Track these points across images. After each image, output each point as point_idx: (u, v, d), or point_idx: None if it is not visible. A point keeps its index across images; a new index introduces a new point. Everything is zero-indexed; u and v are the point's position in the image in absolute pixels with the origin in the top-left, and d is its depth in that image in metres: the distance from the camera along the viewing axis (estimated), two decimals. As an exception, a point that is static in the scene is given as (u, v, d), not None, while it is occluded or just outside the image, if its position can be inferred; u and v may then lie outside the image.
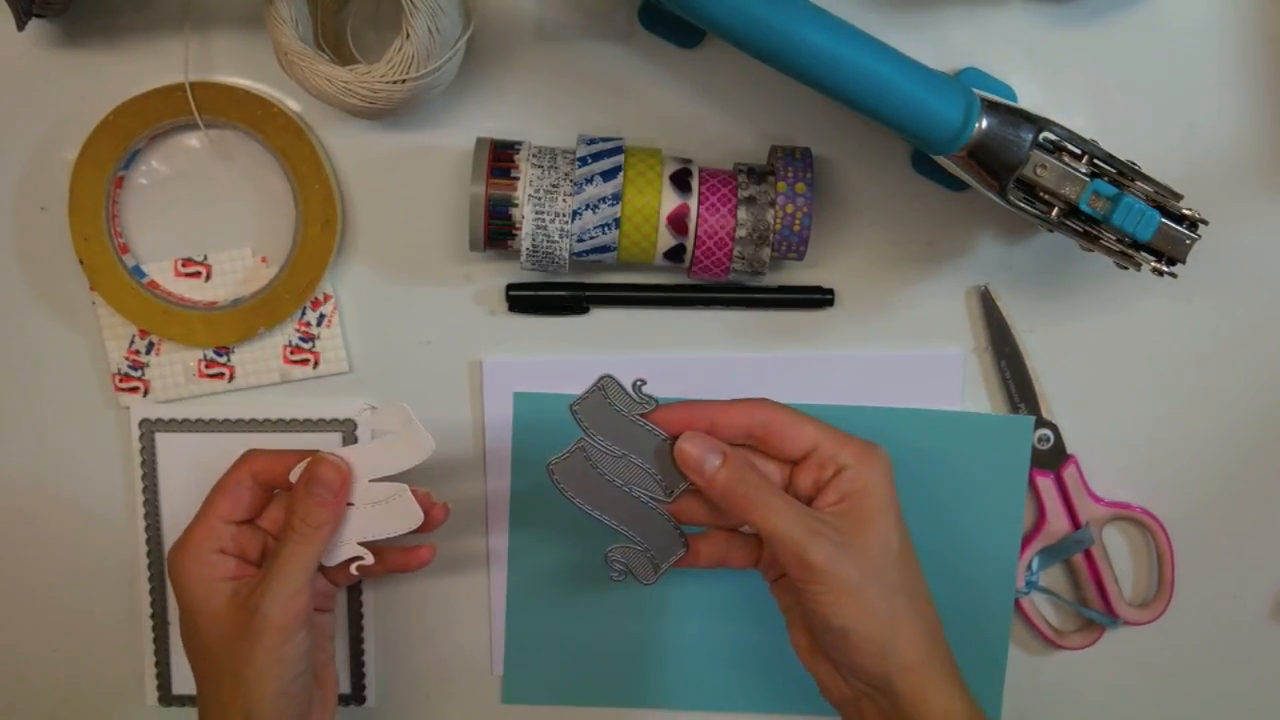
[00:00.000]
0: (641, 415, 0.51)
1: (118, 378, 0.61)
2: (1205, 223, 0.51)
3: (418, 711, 0.64)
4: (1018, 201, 0.51)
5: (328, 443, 0.61)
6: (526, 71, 0.58)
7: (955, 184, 0.58)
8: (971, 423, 0.61)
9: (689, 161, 0.57)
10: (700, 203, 0.55)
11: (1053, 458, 0.61)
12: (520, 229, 0.55)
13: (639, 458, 0.52)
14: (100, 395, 0.62)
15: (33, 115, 0.59)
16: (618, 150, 0.56)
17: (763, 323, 0.61)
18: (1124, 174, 0.50)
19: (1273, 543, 0.63)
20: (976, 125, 0.50)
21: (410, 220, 0.60)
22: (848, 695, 0.51)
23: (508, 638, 0.63)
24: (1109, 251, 0.51)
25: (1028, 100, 0.57)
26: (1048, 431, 0.61)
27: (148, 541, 0.62)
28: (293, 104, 0.59)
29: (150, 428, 0.61)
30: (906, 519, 0.52)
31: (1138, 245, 0.51)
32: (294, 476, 0.53)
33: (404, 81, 0.53)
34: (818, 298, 0.60)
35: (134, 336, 0.60)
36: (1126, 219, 0.49)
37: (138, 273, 0.60)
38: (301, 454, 0.54)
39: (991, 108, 0.50)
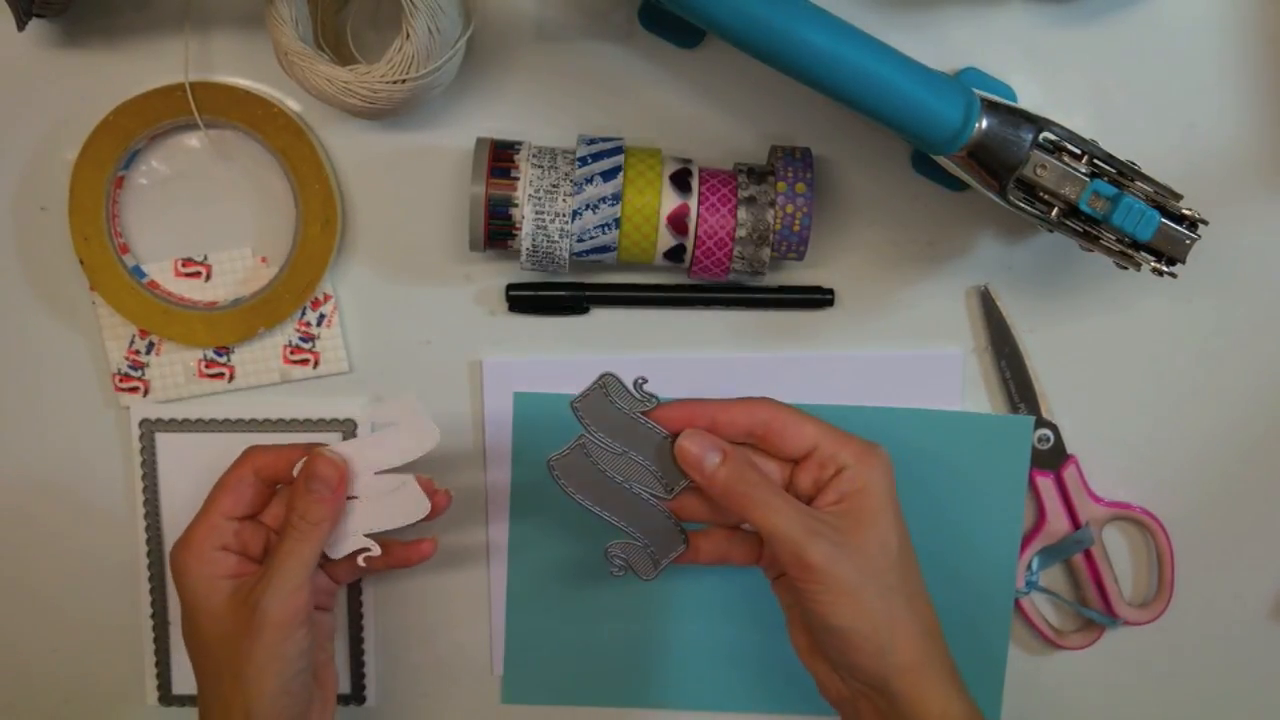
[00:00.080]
0: (642, 413, 0.51)
1: (118, 378, 0.61)
2: (1205, 223, 0.51)
3: (418, 711, 0.64)
4: (1018, 201, 0.51)
5: (329, 441, 0.61)
6: (526, 71, 0.58)
7: (955, 184, 0.58)
8: (971, 423, 0.61)
9: (689, 161, 0.57)
10: (700, 203, 0.55)
11: (1053, 458, 0.61)
12: (520, 229, 0.55)
13: (639, 455, 0.52)
14: (100, 395, 0.62)
15: (33, 115, 0.59)
16: (618, 150, 0.56)
17: (763, 323, 0.61)
18: (1124, 174, 0.50)
19: (1273, 543, 0.63)
20: (976, 125, 0.50)
21: (410, 220, 0.60)
22: (845, 695, 0.51)
23: (508, 637, 0.63)
24: (1109, 251, 0.51)
25: (1028, 100, 0.57)
26: (1048, 431, 0.61)
27: (148, 541, 0.62)
28: (293, 104, 0.59)
29: (150, 428, 0.61)
30: (907, 519, 0.52)
31: (1138, 245, 0.51)
32: (297, 471, 0.53)
33: (404, 81, 0.53)
34: (818, 298, 0.60)
35: (134, 336, 0.60)
36: (1126, 219, 0.50)
37: (138, 273, 0.60)
38: (303, 448, 0.54)
39: (991, 108, 0.50)
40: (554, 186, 0.55)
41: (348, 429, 0.61)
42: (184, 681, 0.63)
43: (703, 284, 0.60)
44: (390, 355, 0.61)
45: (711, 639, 0.63)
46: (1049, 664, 0.64)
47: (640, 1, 0.57)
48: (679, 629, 0.63)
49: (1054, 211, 0.51)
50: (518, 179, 0.55)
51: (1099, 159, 0.50)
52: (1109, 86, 0.58)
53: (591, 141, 0.56)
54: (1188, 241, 0.51)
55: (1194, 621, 0.63)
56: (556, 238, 0.55)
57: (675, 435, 0.51)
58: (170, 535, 0.62)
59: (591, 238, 0.55)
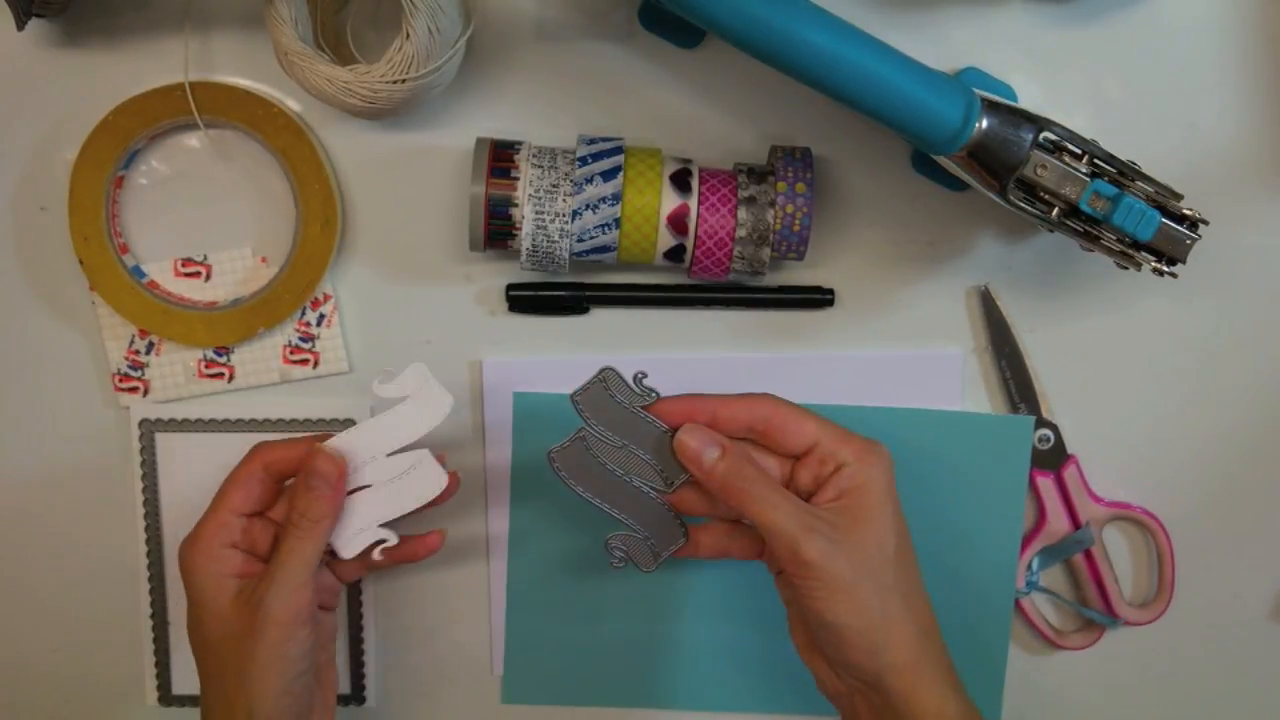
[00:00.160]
0: (642, 407, 0.52)
1: (118, 378, 0.61)
2: (1205, 223, 0.51)
3: (418, 711, 0.64)
4: (1018, 201, 0.51)
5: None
6: (526, 71, 0.58)
7: (955, 184, 0.58)
8: (971, 423, 0.61)
9: (689, 161, 0.57)
10: (700, 203, 0.55)
11: (1053, 458, 0.61)
12: (520, 229, 0.55)
13: (639, 448, 0.52)
14: (100, 395, 0.62)
15: (33, 115, 0.59)
16: (618, 150, 0.56)
17: (763, 323, 0.61)
18: (1124, 174, 0.50)
19: (1273, 543, 0.63)
20: (977, 125, 0.50)
21: (410, 220, 0.60)
22: (842, 691, 0.52)
23: (508, 637, 0.63)
24: (1109, 251, 0.51)
25: (1028, 100, 0.57)
26: (1048, 431, 0.61)
27: (147, 541, 0.62)
28: (293, 104, 0.59)
29: (150, 428, 0.61)
30: (907, 519, 0.52)
31: (1138, 245, 0.51)
32: None
33: (404, 81, 0.53)
34: (818, 298, 0.60)
35: (134, 336, 0.60)
36: (1127, 219, 0.49)
37: (137, 273, 0.60)
38: (311, 439, 0.54)
39: (992, 108, 0.50)
40: (554, 186, 0.55)
41: (340, 431, 0.61)
42: (184, 681, 0.63)
43: (703, 284, 0.60)
44: (390, 355, 0.61)
45: (711, 639, 0.63)
46: (1049, 664, 0.64)
47: (640, 1, 0.57)
48: (679, 629, 0.63)
49: (1054, 211, 0.51)
50: (518, 179, 0.55)
51: (1099, 159, 0.50)
52: (1109, 86, 0.58)
53: (591, 141, 0.56)
54: (1188, 241, 0.51)
55: (1194, 621, 0.63)
56: (556, 238, 0.55)
57: (675, 429, 0.51)
58: (170, 535, 0.62)
59: (591, 238, 0.55)
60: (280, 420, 0.61)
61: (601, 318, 0.61)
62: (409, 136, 0.59)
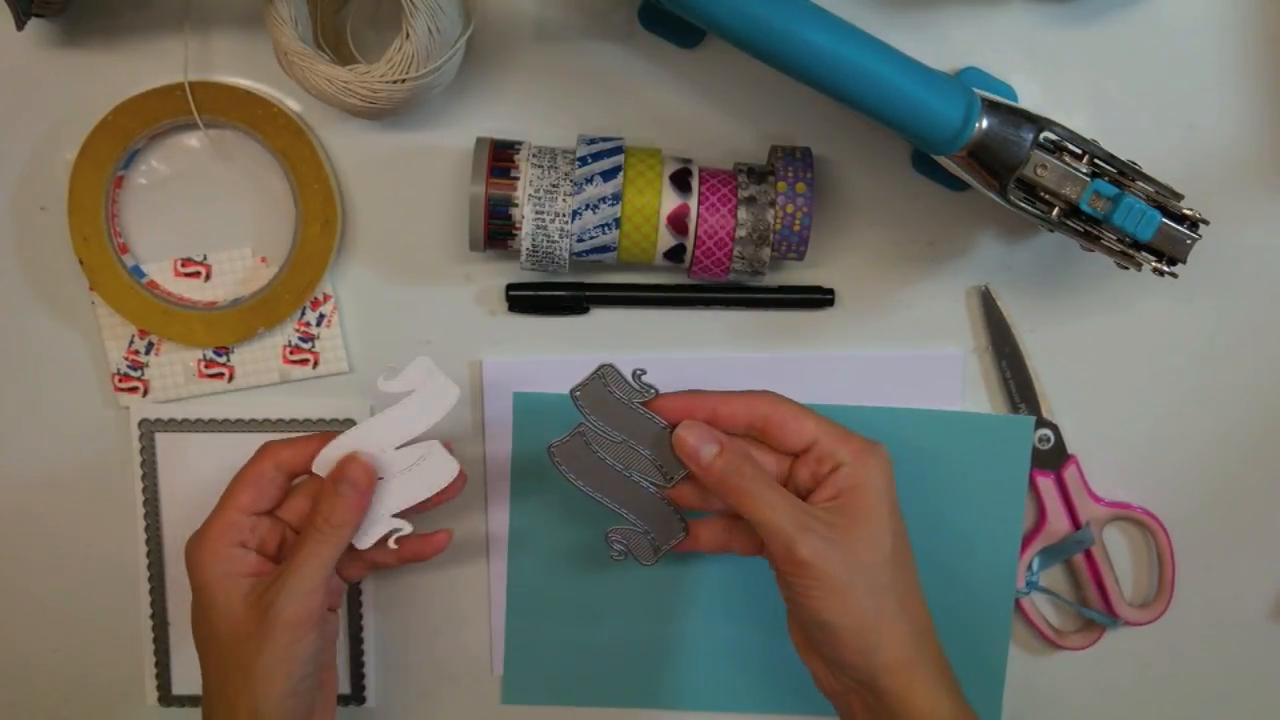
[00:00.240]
0: (642, 403, 0.52)
1: (117, 378, 0.61)
2: (1206, 223, 0.51)
3: (418, 711, 0.64)
4: (1018, 201, 0.51)
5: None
6: (526, 71, 0.58)
7: (955, 184, 0.58)
8: (972, 423, 0.61)
9: (689, 161, 0.57)
10: (700, 203, 0.55)
11: (1053, 458, 0.61)
12: (520, 229, 0.55)
13: (638, 444, 0.52)
14: (100, 395, 0.61)
15: (32, 115, 0.59)
16: (618, 150, 0.56)
17: (763, 323, 0.61)
18: (1124, 174, 0.50)
19: (1273, 543, 0.63)
20: (977, 125, 0.50)
21: (410, 220, 0.60)
22: (838, 689, 0.52)
23: (508, 638, 0.63)
24: (1109, 251, 0.51)
25: (1028, 100, 0.57)
26: (1048, 431, 0.61)
27: (147, 542, 0.62)
28: (293, 104, 0.59)
29: (150, 428, 0.61)
30: (907, 519, 0.52)
31: (1138, 245, 0.51)
32: (316, 465, 0.53)
33: (404, 81, 0.53)
34: (818, 298, 0.60)
35: (133, 336, 0.60)
36: (1127, 219, 0.49)
37: (137, 273, 0.60)
38: (321, 437, 0.54)
39: (992, 107, 0.50)
40: (554, 186, 0.55)
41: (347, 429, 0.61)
42: (184, 682, 0.63)
43: (703, 284, 0.60)
44: (390, 355, 0.61)
45: (711, 639, 0.63)
46: (1049, 664, 0.64)
47: (640, 1, 0.57)
48: (679, 629, 0.63)
49: (1055, 211, 0.51)
50: (518, 179, 0.55)
51: (1100, 159, 0.50)
52: (1109, 86, 0.58)
53: (591, 141, 0.56)
54: (1188, 241, 0.51)
55: (1194, 621, 0.63)
56: (556, 238, 0.55)
57: (674, 425, 0.51)
58: (170, 535, 0.62)
59: (591, 238, 0.55)
60: (280, 420, 0.61)
61: (601, 318, 0.61)
62: (409, 136, 0.59)
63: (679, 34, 0.57)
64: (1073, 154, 0.50)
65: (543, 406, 0.60)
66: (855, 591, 0.49)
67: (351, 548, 0.54)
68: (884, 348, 0.61)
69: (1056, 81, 0.58)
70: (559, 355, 0.61)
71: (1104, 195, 0.50)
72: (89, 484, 0.62)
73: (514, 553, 0.62)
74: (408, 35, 0.52)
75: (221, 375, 0.61)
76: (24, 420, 0.62)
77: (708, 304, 0.60)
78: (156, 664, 0.63)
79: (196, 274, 0.60)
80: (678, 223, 0.56)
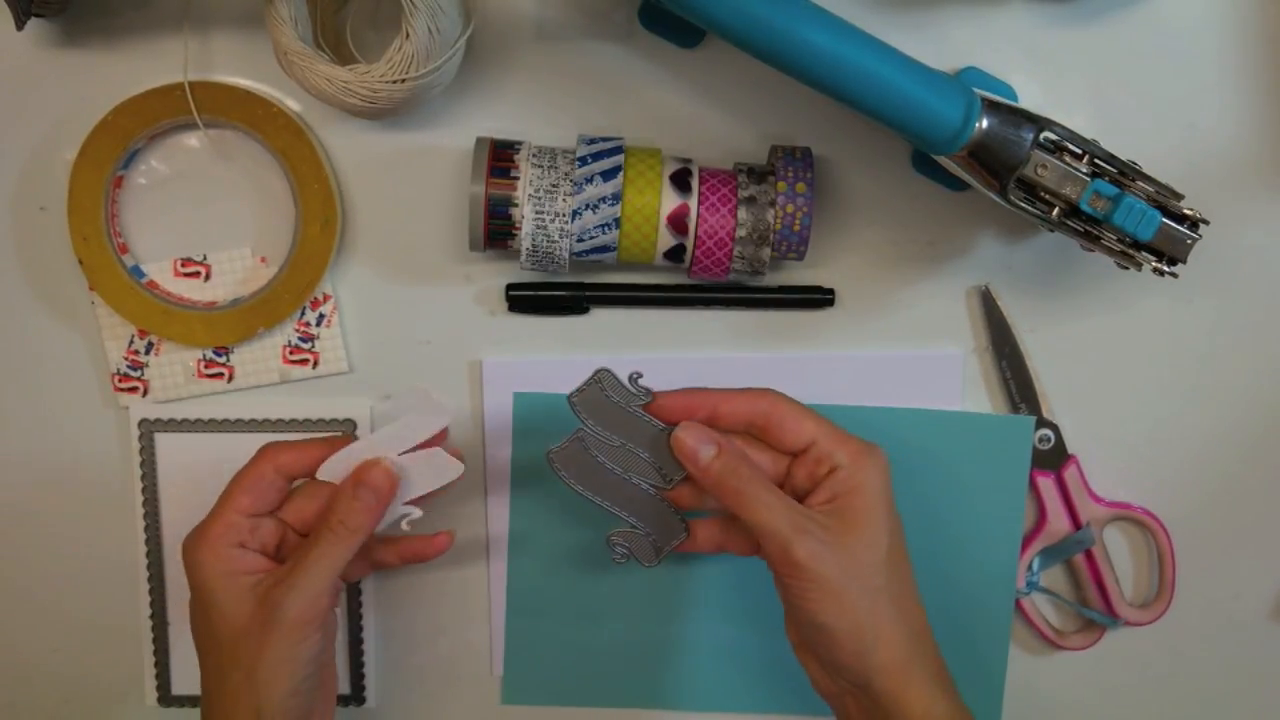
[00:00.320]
0: (640, 406, 0.52)
1: (117, 378, 0.61)
2: (1206, 223, 0.51)
3: (417, 711, 0.64)
4: (1018, 201, 0.51)
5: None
6: (526, 71, 0.58)
7: (955, 184, 0.58)
8: (972, 423, 0.61)
9: (689, 161, 0.57)
10: (700, 203, 0.55)
11: (1053, 458, 0.61)
12: (520, 229, 0.55)
13: (637, 447, 0.52)
14: (100, 395, 0.61)
15: (32, 115, 0.59)
16: (618, 150, 0.56)
17: (763, 323, 0.61)
18: (1125, 174, 0.50)
19: (1273, 543, 0.63)
20: (977, 125, 0.50)
21: (410, 220, 0.60)
22: (833, 690, 0.52)
23: (508, 638, 0.63)
24: (1110, 251, 0.51)
25: (1028, 100, 0.57)
26: (1048, 431, 0.61)
27: (147, 542, 0.62)
28: (293, 104, 0.59)
29: (150, 428, 0.61)
30: (906, 519, 0.52)
31: (1138, 245, 0.51)
32: (321, 472, 0.53)
33: (404, 81, 0.53)
34: (818, 298, 0.60)
35: (133, 336, 0.60)
36: (1127, 219, 0.49)
37: (137, 273, 0.60)
38: (323, 442, 0.54)
39: (992, 107, 0.50)
40: (554, 186, 0.55)
41: (347, 429, 0.61)
42: (184, 682, 0.63)
43: (703, 284, 0.60)
44: (390, 355, 0.61)
45: (711, 639, 0.63)
46: (1050, 664, 0.64)
47: (640, 1, 0.57)
48: (679, 630, 0.63)
49: (1055, 211, 0.51)
50: (518, 179, 0.55)
51: (1100, 159, 0.50)
52: (1109, 86, 0.58)
53: (591, 141, 0.56)
54: (1189, 241, 0.51)
55: (1194, 621, 0.63)
56: (556, 238, 0.55)
57: (672, 427, 0.51)
58: (170, 535, 0.62)
59: (591, 238, 0.55)
60: (280, 420, 0.61)
61: (601, 318, 0.61)
62: (409, 136, 0.59)
63: (679, 34, 0.57)
64: (1073, 154, 0.50)
65: (543, 407, 0.60)
66: (851, 594, 0.49)
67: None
68: (884, 348, 0.61)
69: (1056, 81, 0.58)
70: (559, 355, 0.61)
71: (1104, 195, 0.50)
72: (89, 484, 0.62)
73: (514, 553, 0.62)
74: (408, 35, 0.52)
75: (221, 375, 0.61)
76: (24, 420, 0.62)
77: (708, 304, 0.60)
78: (156, 664, 0.63)
79: (196, 274, 0.60)
80: (678, 223, 0.56)
